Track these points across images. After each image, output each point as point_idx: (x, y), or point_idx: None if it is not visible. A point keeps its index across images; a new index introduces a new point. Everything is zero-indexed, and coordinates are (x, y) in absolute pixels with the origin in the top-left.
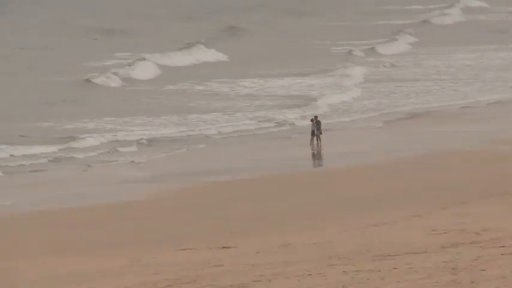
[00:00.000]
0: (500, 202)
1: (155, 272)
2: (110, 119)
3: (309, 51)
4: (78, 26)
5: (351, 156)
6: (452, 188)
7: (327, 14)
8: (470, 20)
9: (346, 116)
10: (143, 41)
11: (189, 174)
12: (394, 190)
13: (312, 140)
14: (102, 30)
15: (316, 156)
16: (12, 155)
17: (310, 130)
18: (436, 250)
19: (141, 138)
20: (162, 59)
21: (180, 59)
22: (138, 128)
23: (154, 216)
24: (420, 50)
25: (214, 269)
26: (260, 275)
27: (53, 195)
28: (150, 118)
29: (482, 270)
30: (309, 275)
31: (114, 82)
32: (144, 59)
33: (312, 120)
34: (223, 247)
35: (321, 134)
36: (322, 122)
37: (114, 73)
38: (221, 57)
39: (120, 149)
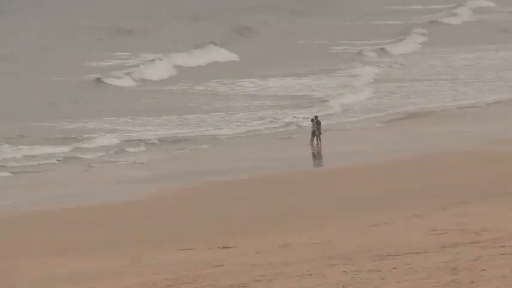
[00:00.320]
0: (500, 202)
1: (155, 272)
2: (121, 119)
3: (319, 51)
4: (88, 26)
5: (351, 156)
6: (452, 188)
7: (335, 14)
8: (478, 20)
9: (355, 116)
10: (154, 41)
11: (189, 174)
12: (394, 190)
13: (312, 140)
14: (111, 30)
15: (316, 156)
16: (25, 156)
17: (311, 130)
18: (436, 250)
19: (150, 139)
20: (174, 59)
21: (191, 59)
22: (148, 128)
23: (154, 216)
24: (428, 50)
25: (214, 269)
26: (260, 275)
27: (53, 195)
28: (161, 118)
29: (482, 270)
30: (309, 275)
31: (126, 82)
32: (156, 59)
33: (312, 120)
34: (223, 247)
35: (321, 134)
36: (332, 122)
37: (127, 73)
38: (232, 57)
39: (129, 149)
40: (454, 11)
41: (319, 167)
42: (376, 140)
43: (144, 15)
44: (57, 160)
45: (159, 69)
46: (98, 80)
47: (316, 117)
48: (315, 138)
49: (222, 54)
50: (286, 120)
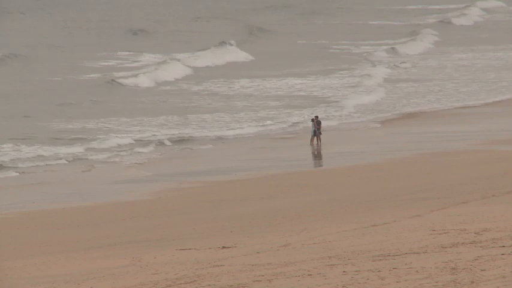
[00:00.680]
0: (500, 202)
1: (155, 272)
2: (134, 119)
3: (329, 51)
4: (105, 27)
5: (350, 156)
6: (452, 188)
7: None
8: (487, 20)
9: (362, 116)
10: (168, 42)
11: (189, 174)
12: (394, 190)
13: (312, 139)
14: (125, 30)
15: (317, 156)
16: (37, 155)
17: (311, 130)
18: (436, 250)
19: (162, 139)
20: (188, 59)
21: (206, 59)
22: (160, 128)
23: (154, 216)
24: (438, 50)
25: (214, 269)
26: (260, 275)
27: (54, 195)
28: (175, 118)
29: (482, 270)
30: (309, 275)
31: (139, 82)
32: (172, 59)
33: (312, 120)
34: (223, 247)
35: (321, 134)
36: (336, 122)
37: (140, 73)
38: (247, 57)
39: (140, 150)
40: (464, 11)
41: (319, 167)
42: (376, 140)
43: (158, 15)
44: (67, 161)
45: (173, 69)
46: (112, 80)
47: (316, 117)
48: (315, 138)
49: (237, 55)
50: (294, 120)
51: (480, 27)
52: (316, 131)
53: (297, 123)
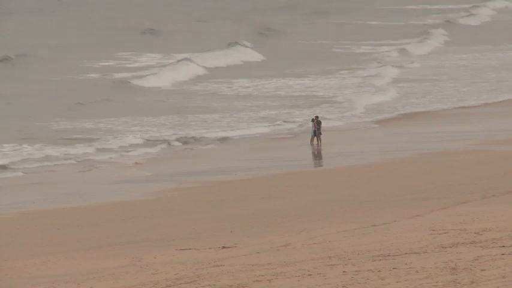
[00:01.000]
0: (500, 202)
1: (155, 272)
2: (146, 120)
3: (338, 51)
4: (117, 27)
5: (350, 156)
6: (452, 188)
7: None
8: (495, 20)
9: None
10: (179, 42)
11: (189, 174)
12: (394, 190)
13: (312, 139)
14: (137, 31)
15: (317, 156)
16: (49, 156)
17: (311, 130)
18: (436, 250)
19: (171, 139)
20: (200, 59)
21: (217, 59)
22: (173, 128)
23: (154, 216)
24: (446, 50)
25: (214, 269)
26: (260, 275)
27: (54, 195)
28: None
29: (482, 270)
30: (309, 275)
31: (152, 83)
32: (184, 59)
33: (313, 120)
34: (223, 247)
35: (321, 134)
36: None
37: (152, 74)
38: (258, 57)
39: (150, 150)
40: (472, 11)
41: (319, 167)
42: (375, 140)
43: (169, 16)
44: (76, 161)
45: (185, 70)
46: (125, 80)
47: (316, 117)
48: (315, 138)
49: (249, 55)
50: (300, 120)
51: (486, 27)
52: (316, 131)
53: (301, 124)
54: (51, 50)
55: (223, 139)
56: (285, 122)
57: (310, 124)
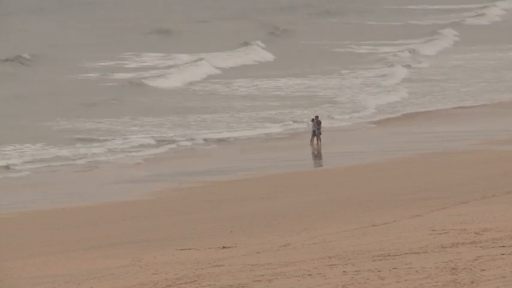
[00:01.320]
0: (500, 202)
1: (155, 272)
2: (155, 120)
3: (346, 51)
4: (128, 26)
5: (350, 156)
6: (452, 188)
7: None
8: (505, 20)
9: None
10: (190, 42)
11: (189, 174)
12: (394, 190)
13: (312, 139)
14: (148, 31)
15: (317, 156)
16: (57, 156)
17: (311, 130)
18: (436, 250)
19: (179, 140)
20: (211, 59)
21: (228, 59)
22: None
23: (154, 216)
24: (455, 50)
25: (214, 269)
26: (260, 275)
27: (54, 195)
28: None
29: (482, 270)
30: (309, 275)
31: (163, 83)
32: (196, 59)
33: (312, 120)
34: (223, 247)
35: (321, 134)
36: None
37: (163, 74)
38: (268, 57)
39: (158, 150)
40: (482, 11)
41: (319, 167)
42: (375, 140)
43: (180, 16)
44: (89, 162)
45: (196, 70)
46: (136, 81)
47: (316, 117)
48: (315, 138)
49: (260, 55)
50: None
51: (498, 27)
52: (316, 131)
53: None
54: (59, 50)
55: (235, 139)
56: (294, 122)
57: (310, 124)
